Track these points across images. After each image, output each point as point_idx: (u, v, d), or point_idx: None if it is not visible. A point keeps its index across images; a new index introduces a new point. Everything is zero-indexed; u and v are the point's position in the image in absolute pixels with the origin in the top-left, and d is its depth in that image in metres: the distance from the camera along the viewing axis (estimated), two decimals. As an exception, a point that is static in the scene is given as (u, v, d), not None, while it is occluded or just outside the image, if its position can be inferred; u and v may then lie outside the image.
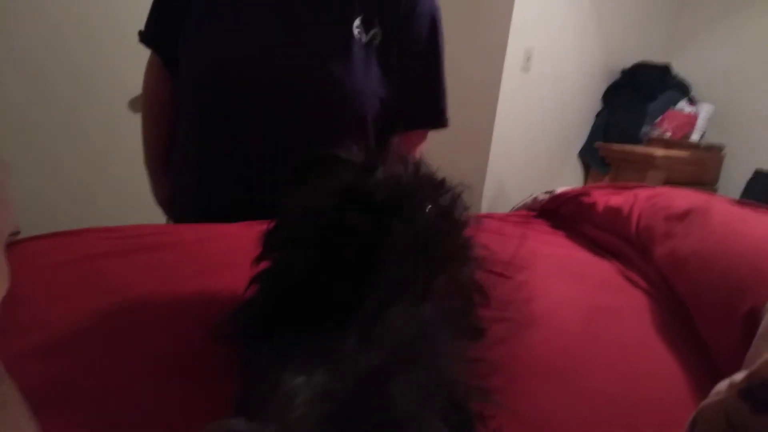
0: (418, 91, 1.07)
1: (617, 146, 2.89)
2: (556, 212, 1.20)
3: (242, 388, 0.42)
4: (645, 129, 3.19)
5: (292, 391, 0.35)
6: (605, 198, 1.10)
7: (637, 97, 3.25)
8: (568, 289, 0.79)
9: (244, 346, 0.49)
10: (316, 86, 0.94)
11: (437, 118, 1.11)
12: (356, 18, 0.97)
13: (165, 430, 0.44)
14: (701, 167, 3.24)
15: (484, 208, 2.82)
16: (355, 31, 0.96)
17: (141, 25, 1.06)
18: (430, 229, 0.48)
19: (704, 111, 3.36)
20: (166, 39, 1.02)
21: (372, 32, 0.99)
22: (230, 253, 0.77)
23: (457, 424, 0.36)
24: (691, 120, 3.30)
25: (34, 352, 0.51)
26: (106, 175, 1.93)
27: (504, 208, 1.43)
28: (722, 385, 0.36)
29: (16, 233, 0.75)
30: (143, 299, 0.62)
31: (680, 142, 3.19)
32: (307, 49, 0.94)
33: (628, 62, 3.36)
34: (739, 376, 0.35)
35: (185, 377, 0.50)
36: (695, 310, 0.68)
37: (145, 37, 1.07)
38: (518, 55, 2.76)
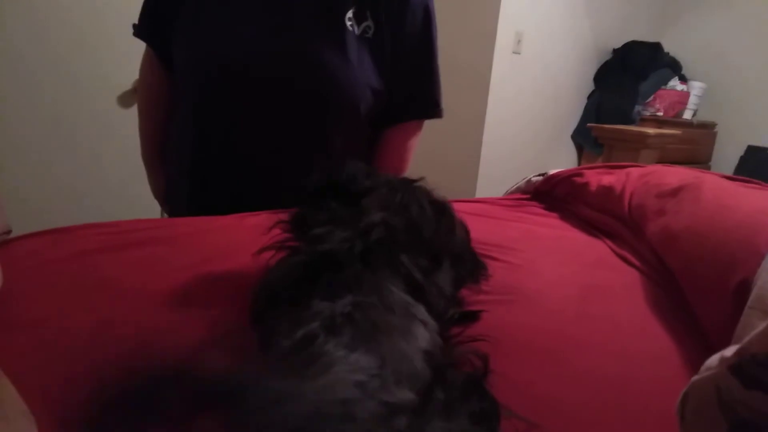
0: (413, 83, 1.07)
1: (610, 126, 2.89)
2: (550, 194, 1.20)
3: (278, 354, 0.44)
4: (637, 108, 3.19)
5: (331, 361, 0.38)
6: (598, 178, 1.10)
7: (628, 76, 3.24)
8: (561, 269, 0.79)
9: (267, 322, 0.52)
10: (309, 77, 0.94)
11: (432, 110, 1.11)
12: (348, 10, 0.96)
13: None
14: (694, 145, 3.24)
15: (478, 191, 2.82)
16: (348, 23, 0.96)
17: (129, 20, 1.05)
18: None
19: (696, 88, 3.36)
20: (160, 32, 1.01)
21: (364, 24, 0.98)
22: (223, 245, 0.77)
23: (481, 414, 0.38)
24: (683, 98, 3.30)
25: (29, 349, 0.51)
26: (96, 171, 1.92)
27: (498, 192, 1.43)
28: (713, 360, 0.37)
29: (7, 232, 0.75)
30: (137, 293, 0.62)
31: (673, 120, 3.19)
32: (300, 40, 0.94)
33: (619, 41, 3.34)
34: (729, 351, 0.35)
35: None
36: (687, 284, 0.68)
37: (139, 30, 1.06)
38: (509, 38, 2.74)
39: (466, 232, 0.72)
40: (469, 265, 0.71)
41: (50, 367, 0.49)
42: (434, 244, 0.61)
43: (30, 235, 0.76)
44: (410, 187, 0.67)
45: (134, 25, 1.06)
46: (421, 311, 0.50)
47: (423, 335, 0.47)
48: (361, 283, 0.49)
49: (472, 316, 0.61)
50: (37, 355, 0.50)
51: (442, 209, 0.66)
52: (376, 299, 0.47)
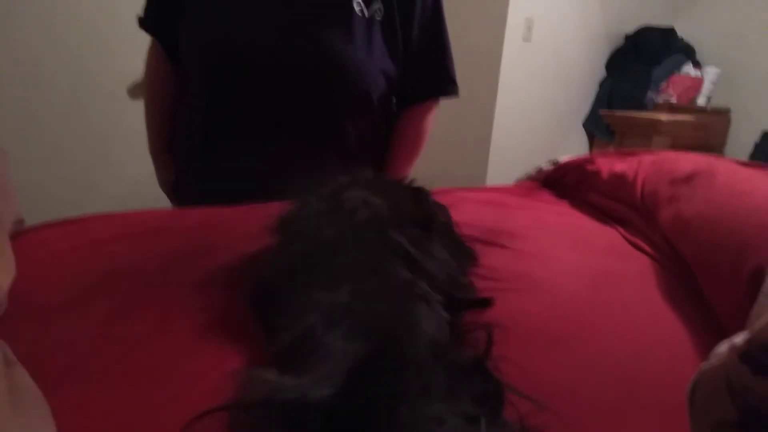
0: (428, 63, 1.07)
1: (622, 113, 2.85)
2: (560, 182, 1.19)
3: (279, 347, 0.45)
4: (650, 95, 3.14)
5: (329, 353, 0.39)
6: (609, 165, 1.09)
7: (641, 62, 3.19)
8: (572, 257, 0.78)
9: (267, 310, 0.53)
10: (317, 63, 0.94)
11: (449, 87, 1.12)
12: None
13: (174, 402, 0.44)
14: (708, 131, 3.19)
15: (488, 179, 2.81)
16: (356, 8, 0.96)
17: (137, 10, 1.05)
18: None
19: (710, 74, 3.31)
20: (166, 24, 1.01)
21: (374, 7, 0.98)
22: (232, 235, 0.77)
23: (484, 396, 0.38)
24: (697, 84, 3.25)
25: (43, 338, 0.52)
26: (106, 162, 1.93)
27: (508, 180, 1.42)
28: (722, 348, 0.36)
29: (20, 222, 0.76)
30: (147, 283, 0.62)
31: (686, 106, 3.14)
32: (307, 26, 0.94)
33: (631, 27, 3.29)
34: (739, 339, 0.35)
35: (192, 355, 0.50)
36: (700, 271, 0.67)
37: (144, 22, 1.06)
38: (519, 25, 2.71)
39: (448, 216, 0.73)
40: (459, 244, 0.71)
41: (64, 356, 0.49)
42: (419, 217, 0.62)
43: (41, 225, 0.77)
44: (386, 179, 0.70)
45: (139, 18, 1.05)
46: (421, 287, 0.50)
47: (426, 315, 0.46)
48: (357, 268, 0.49)
49: (484, 303, 0.61)
50: (51, 344, 0.51)
51: (417, 190, 0.69)
52: (374, 283, 0.47)
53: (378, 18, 0.98)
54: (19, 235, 0.72)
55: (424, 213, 0.63)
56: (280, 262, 0.56)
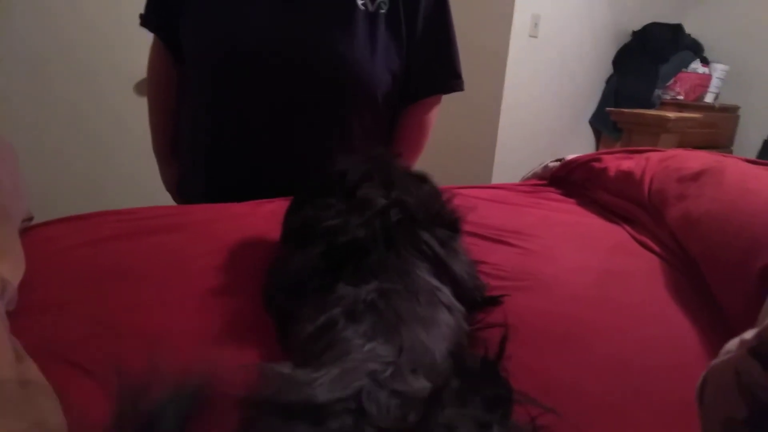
0: (432, 58, 1.06)
1: (629, 110, 2.84)
2: (567, 179, 1.19)
3: (299, 338, 0.45)
4: (657, 92, 3.12)
5: (347, 349, 0.39)
6: (616, 163, 1.08)
7: (648, 59, 3.17)
8: (579, 255, 0.78)
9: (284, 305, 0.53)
10: (318, 62, 0.94)
11: (453, 83, 1.11)
12: None
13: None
14: (716, 129, 3.17)
15: (494, 178, 2.80)
16: (359, 2, 0.95)
17: (141, 7, 1.05)
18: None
19: (718, 71, 3.28)
20: (168, 22, 1.01)
21: (378, 1, 0.97)
22: (239, 232, 0.77)
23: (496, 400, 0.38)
24: (705, 81, 3.22)
25: (51, 332, 0.52)
26: (112, 160, 1.94)
27: (514, 178, 1.42)
28: (732, 344, 0.36)
29: (29, 219, 0.76)
30: (153, 279, 0.63)
31: (694, 104, 3.12)
32: (308, 21, 0.93)
33: (639, 24, 3.27)
34: (749, 334, 0.35)
35: (202, 352, 0.51)
36: (708, 270, 0.67)
37: (146, 20, 1.06)
38: (525, 21, 2.70)
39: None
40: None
41: (72, 349, 0.50)
42: (447, 216, 0.61)
43: (47, 222, 0.77)
44: (391, 165, 0.67)
45: (141, 15, 1.05)
46: (446, 295, 0.50)
47: (447, 323, 0.46)
48: (387, 268, 0.49)
49: (493, 302, 0.61)
50: (59, 339, 0.51)
51: (424, 179, 0.67)
52: (402, 286, 0.47)
53: (383, 11, 0.98)
54: (26, 231, 0.73)
55: (451, 212, 0.62)
56: (305, 260, 0.55)
